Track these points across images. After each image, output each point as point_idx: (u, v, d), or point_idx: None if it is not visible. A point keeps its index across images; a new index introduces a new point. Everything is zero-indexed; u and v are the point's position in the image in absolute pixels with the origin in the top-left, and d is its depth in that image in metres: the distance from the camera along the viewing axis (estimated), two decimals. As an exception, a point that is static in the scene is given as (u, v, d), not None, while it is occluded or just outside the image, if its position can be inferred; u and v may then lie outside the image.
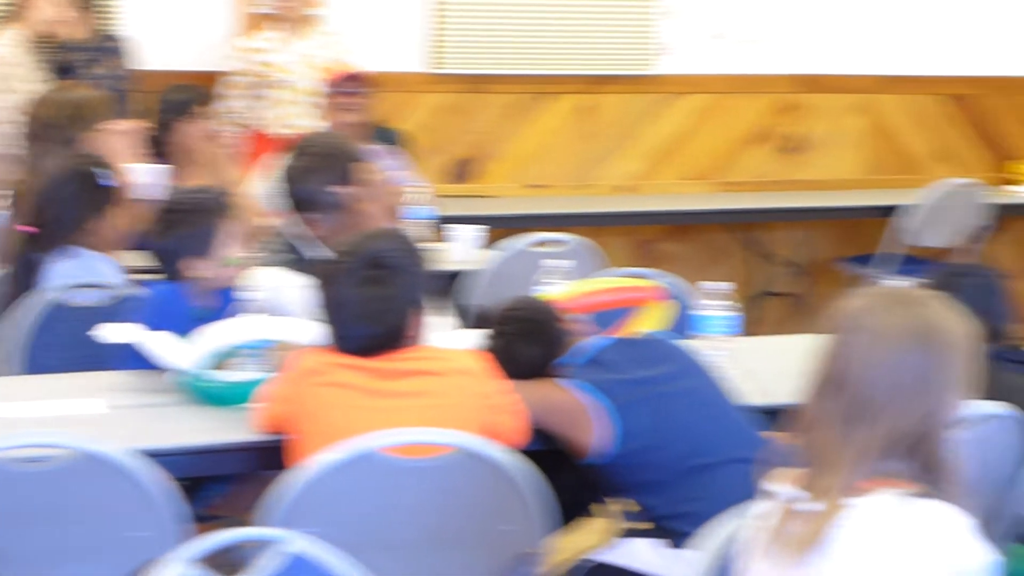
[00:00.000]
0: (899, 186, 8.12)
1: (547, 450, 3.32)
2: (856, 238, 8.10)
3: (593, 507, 3.82)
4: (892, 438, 2.07)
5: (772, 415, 3.23)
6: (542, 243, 5.32)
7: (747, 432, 3.36)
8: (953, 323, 2.12)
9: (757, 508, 2.22)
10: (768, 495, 2.19)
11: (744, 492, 2.35)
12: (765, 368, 3.83)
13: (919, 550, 1.98)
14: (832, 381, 2.11)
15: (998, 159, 8.56)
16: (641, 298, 3.86)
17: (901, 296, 2.15)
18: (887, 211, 7.50)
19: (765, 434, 3.24)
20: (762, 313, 8.00)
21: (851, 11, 8.13)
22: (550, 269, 4.35)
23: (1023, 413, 3.15)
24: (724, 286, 4.03)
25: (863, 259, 7.65)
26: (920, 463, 2.08)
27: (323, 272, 3.21)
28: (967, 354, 2.11)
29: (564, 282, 4.12)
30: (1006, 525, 3.09)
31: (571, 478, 3.48)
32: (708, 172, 8.04)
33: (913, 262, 7.10)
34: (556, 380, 3.37)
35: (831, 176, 8.23)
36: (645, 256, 7.74)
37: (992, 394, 3.10)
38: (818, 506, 2.08)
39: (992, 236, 8.01)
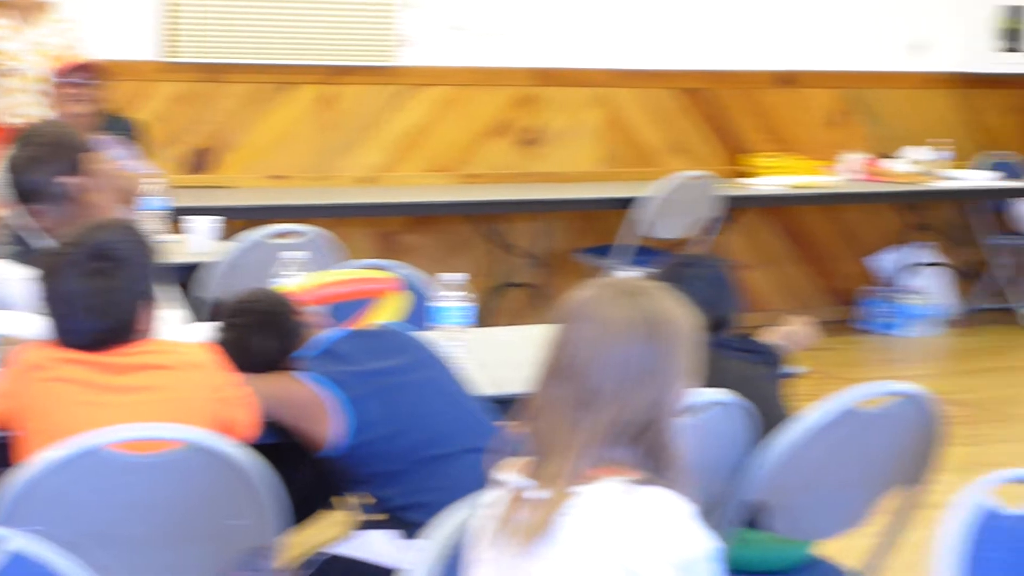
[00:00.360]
0: (635, 178, 8.27)
1: (283, 443, 3.29)
2: (594, 229, 8.22)
3: (332, 500, 3.80)
4: (618, 426, 2.10)
5: (505, 405, 3.25)
6: (280, 235, 5.27)
7: (482, 422, 3.38)
8: (677, 314, 2.16)
9: (487, 497, 2.23)
10: (498, 484, 2.20)
11: (479, 482, 2.36)
12: (498, 358, 3.86)
13: (642, 537, 2.01)
14: (559, 370, 2.13)
15: (731, 152, 8.78)
16: (377, 289, 3.85)
17: (627, 287, 2.18)
18: (624, 203, 7.62)
19: (498, 423, 3.26)
20: (503, 304, 8.07)
21: (587, 5, 8.25)
22: (287, 261, 4.31)
23: (749, 401, 3.23)
24: (460, 277, 4.04)
25: (601, 250, 7.77)
26: (645, 451, 2.11)
27: (46, 264, 3.13)
28: (691, 344, 2.15)
29: (301, 274, 4.09)
30: (733, 511, 3.16)
31: (308, 472, 3.46)
32: (449, 164, 8.07)
33: (648, 253, 7.24)
34: (291, 373, 3.34)
35: (569, 168, 8.33)
36: (388, 248, 7.73)
37: (719, 382, 3.17)
38: (544, 494, 2.09)
39: (725, 227, 8.21)
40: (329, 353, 3.37)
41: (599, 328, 2.12)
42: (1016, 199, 9.20)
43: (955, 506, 2.41)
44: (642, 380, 2.10)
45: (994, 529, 2.40)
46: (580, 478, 2.09)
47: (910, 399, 3.23)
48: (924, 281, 9.10)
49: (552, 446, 2.11)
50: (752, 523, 3.28)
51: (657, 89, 8.52)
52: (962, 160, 9.19)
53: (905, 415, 3.26)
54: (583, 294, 2.17)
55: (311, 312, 3.54)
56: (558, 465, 2.09)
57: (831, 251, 9.17)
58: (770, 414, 3.37)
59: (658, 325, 2.13)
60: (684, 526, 2.02)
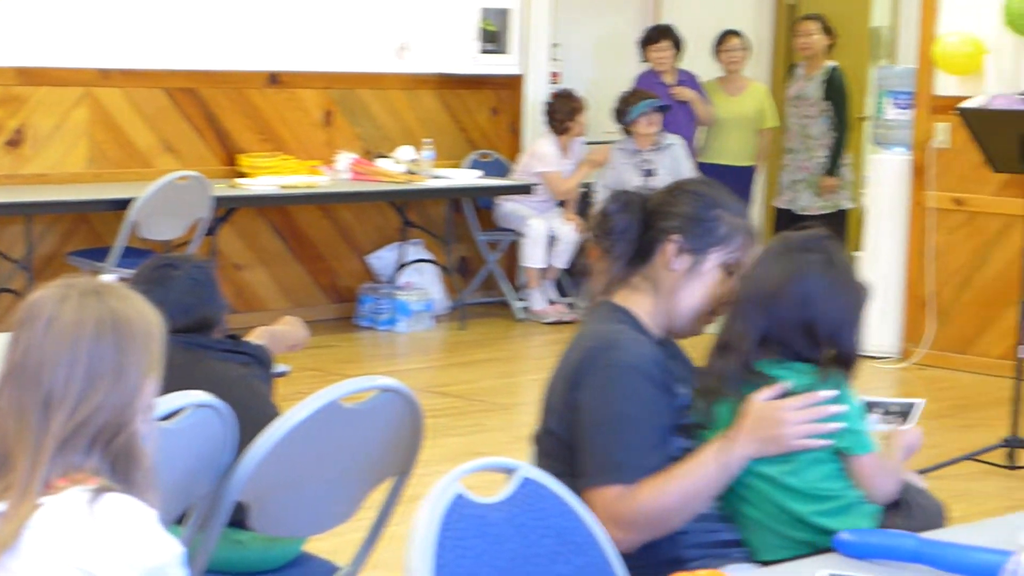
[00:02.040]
0: (127, 179, 8.13)
1: None
2: (86, 232, 8.03)
3: None
4: (80, 431, 2.05)
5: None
6: None
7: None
8: (138, 314, 2.11)
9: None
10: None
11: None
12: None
13: (106, 546, 1.97)
14: (16, 374, 2.06)
15: (226, 152, 8.74)
16: None
17: (86, 287, 2.12)
18: (116, 204, 7.47)
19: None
20: (-7, 312, 7.78)
21: (71, 4, 8.04)
22: None
23: (237, 402, 3.21)
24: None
25: (94, 253, 7.60)
26: (112, 456, 2.07)
27: None
28: (155, 345, 2.11)
29: None
30: (218, 512, 3.14)
31: None
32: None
33: (139, 254, 7.11)
34: None
35: (58, 170, 8.10)
36: None
37: (204, 384, 3.14)
38: (8, 506, 2.02)
39: (219, 228, 8.17)
40: None
41: (50, 328, 2.06)
42: (501, 196, 9.53)
43: (429, 496, 2.46)
44: (99, 382, 2.05)
45: (465, 517, 2.47)
46: (46, 488, 2.03)
47: (392, 393, 3.29)
48: (418, 277, 9.31)
49: (15, 455, 2.04)
50: (241, 523, 3.27)
51: (147, 89, 8.39)
52: (450, 159, 9.45)
53: (388, 409, 3.31)
54: (39, 295, 2.10)
55: None
56: (22, 475, 2.02)
57: (329, 250, 9.26)
58: (260, 415, 3.36)
59: (116, 325, 2.08)
60: (148, 533, 1.98)
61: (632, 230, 3.11)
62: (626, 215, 3.12)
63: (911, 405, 3.15)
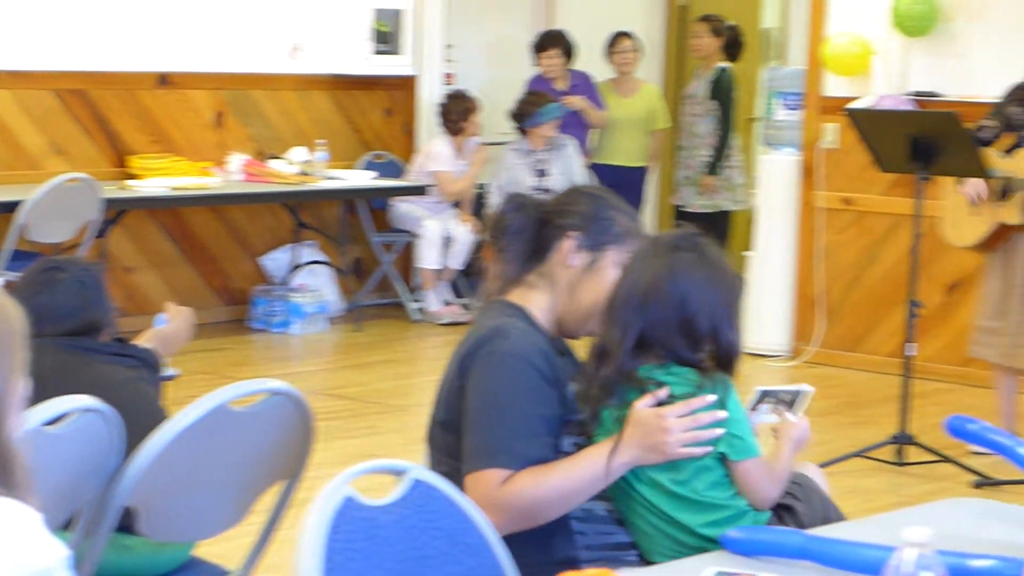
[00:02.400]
0: (15, 181, 8.02)
1: None
2: (-28, 235, 7.92)
3: None
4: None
5: None
6: None
7: None
8: (3, 312, 2.07)
9: None
10: None
11: None
12: None
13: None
14: None
15: (116, 154, 8.65)
16: None
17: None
18: (4, 207, 7.38)
19: None
20: None
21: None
22: None
23: (125, 405, 3.18)
24: None
25: (-20, 256, 7.49)
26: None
27: None
28: (22, 344, 2.07)
29: None
30: (106, 517, 3.11)
31: None
32: None
33: (27, 257, 7.02)
34: None
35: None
36: None
37: (90, 388, 3.11)
38: None
39: (110, 230, 8.09)
40: None
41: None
42: (395, 197, 9.51)
43: (318, 499, 2.45)
44: None
45: (354, 520, 2.47)
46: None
47: (282, 396, 3.27)
48: (313, 279, 9.27)
49: None
50: (129, 528, 3.24)
51: (36, 90, 8.29)
52: (344, 160, 9.42)
53: (278, 412, 3.29)
54: None
55: None
56: None
57: (221, 252, 9.19)
58: (148, 418, 3.33)
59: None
60: (33, 536, 1.95)
61: (528, 230, 3.13)
62: (521, 216, 3.14)
63: (798, 392, 3.18)
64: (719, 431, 2.94)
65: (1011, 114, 6.52)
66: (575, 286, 3.09)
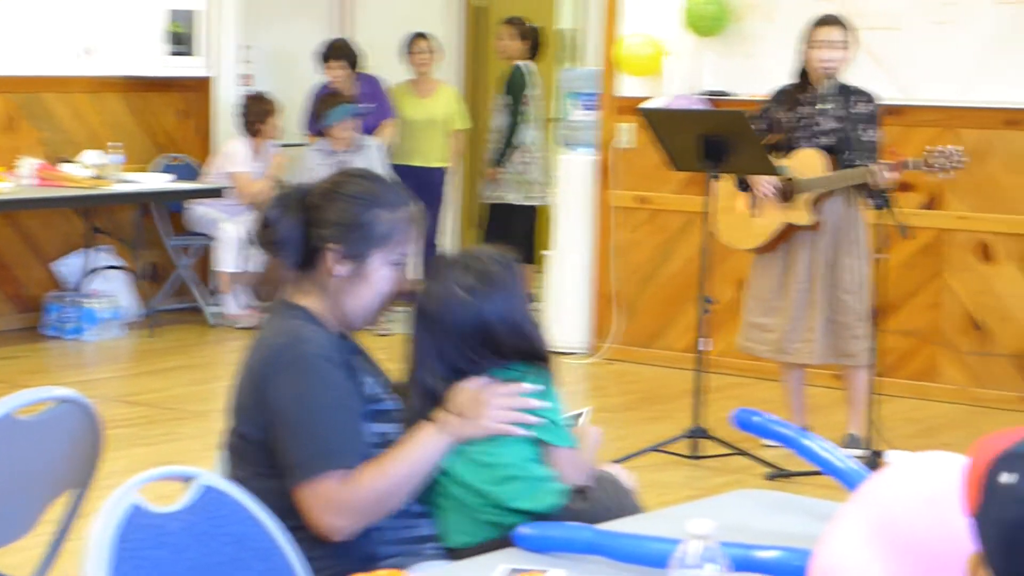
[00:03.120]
0: None
1: None
2: None
3: None
4: None
5: None
6: None
7: None
8: None
9: None
10: None
11: None
12: None
13: None
14: None
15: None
16: None
17: None
18: None
19: None
20: None
21: None
22: None
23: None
24: None
25: None
26: None
27: None
28: None
29: None
30: None
31: None
32: None
33: None
34: None
35: None
36: None
37: None
38: None
39: None
40: None
41: None
42: (192, 200, 9.41)
43: (103, 508, 2.42)
44: None
45: (142, 528, 2.44)
46: None
47: (70, 404, 3.21)
48: (107, 285, 9.12)
49: None
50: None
51: None
52: (139, 163, 9.29)
53: (66, 420, 3.24)
54: None
55: None
56: None
57: (12, 258, 9.00)
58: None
59: None
60: None
61: (295, 236, 3.10)
62: (287, 220, 3.11)
63: (580, 414, 3.28)
64: (538, 419, 3.04)
65: (777, 117, 6.67)
66: (345, 293, 3.09)
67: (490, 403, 3.01)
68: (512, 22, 10.03)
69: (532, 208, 9.97)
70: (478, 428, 3.01)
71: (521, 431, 3.03)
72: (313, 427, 2.96)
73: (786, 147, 6.64)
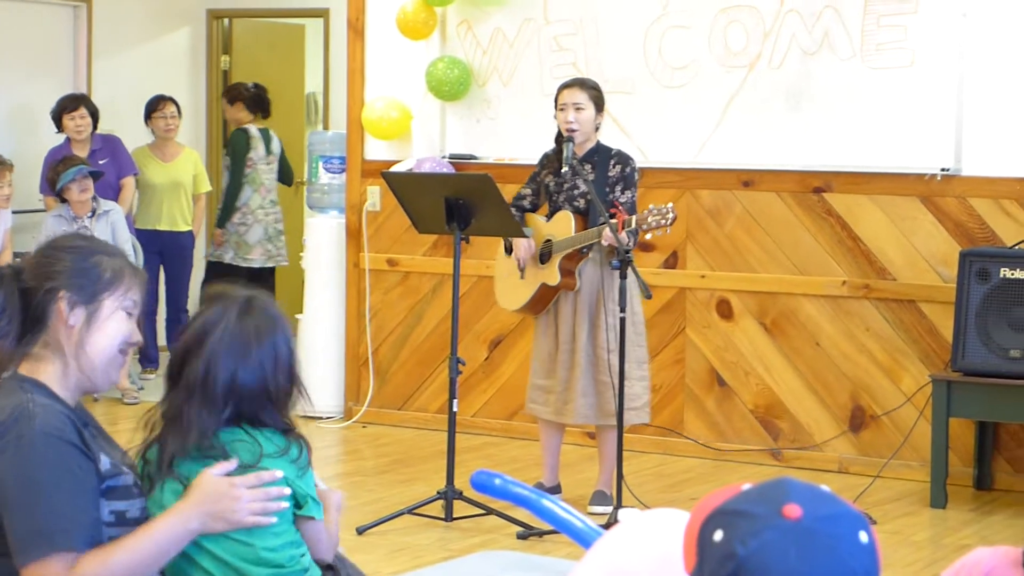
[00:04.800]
0: None
1: None
2: None
3: None
4: None
5: None
6: None
7: None
8: None
9: None
10: None
11: None
12: None
13: None
14: None
15: None
16: None
17: None
18: None
19: None
20: None
21: None
22: None
23: None
24: None
25: None
26: None
27: None
28: None
29: None
30: None
31: None
32: None
33: None
34: None
35: None
36: None
37: None
38: None
39: None
40: None
41: None
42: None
43: None
44: None
45: None
46: None
47: None
48: None
49: None
50: None
51: None
52: None
53: None
54: None
55: None
56: None
57: None
58: None
59: None
60: None
61: (13, 306, 3.02)
62: (1, 292, 3.03)
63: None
64: (284, 505, 3.01)
65: (545, 181, 6.81)
66: (82, 344, 3.02)
67: (238, 496, 2.96)
68: (229, 91, 10.40)
69: (269, 270, 10.20)
70: (224, 522, 2.97)
71: (269, 520, 3.00)
72: (31, 508, 2.87)
73: (552, 209, 6.78)
